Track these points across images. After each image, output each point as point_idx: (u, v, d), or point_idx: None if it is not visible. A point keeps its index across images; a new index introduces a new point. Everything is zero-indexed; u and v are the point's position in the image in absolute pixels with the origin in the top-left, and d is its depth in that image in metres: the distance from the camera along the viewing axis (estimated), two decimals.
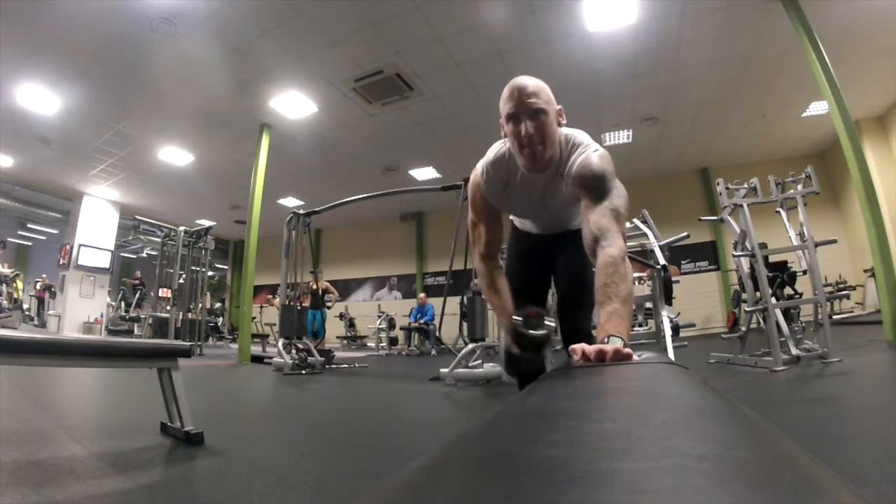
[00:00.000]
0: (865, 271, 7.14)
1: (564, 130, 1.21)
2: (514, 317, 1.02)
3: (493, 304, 1.31)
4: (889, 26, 5.19)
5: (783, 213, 4.21)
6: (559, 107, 1.18)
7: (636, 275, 7.20)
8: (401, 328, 9.61)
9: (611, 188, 1.09)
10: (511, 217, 1.67)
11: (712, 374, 3.45)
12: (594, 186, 1.10)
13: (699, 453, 0.25)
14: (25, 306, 10.53)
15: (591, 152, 1.15)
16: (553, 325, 1.03)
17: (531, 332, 0.97)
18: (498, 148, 1.26)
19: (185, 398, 1.80)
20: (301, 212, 5.95)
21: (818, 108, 7.02)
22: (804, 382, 2.89)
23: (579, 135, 1.21)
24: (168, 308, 7.52)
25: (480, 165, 1.29)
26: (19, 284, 10.14)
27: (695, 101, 6.87)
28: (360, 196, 5.77)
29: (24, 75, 5.79)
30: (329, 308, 7.93)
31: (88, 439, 1.77)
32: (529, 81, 1.13)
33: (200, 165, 8.70)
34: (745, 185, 4.20)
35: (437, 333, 8.29)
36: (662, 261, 3.90)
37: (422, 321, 8.69)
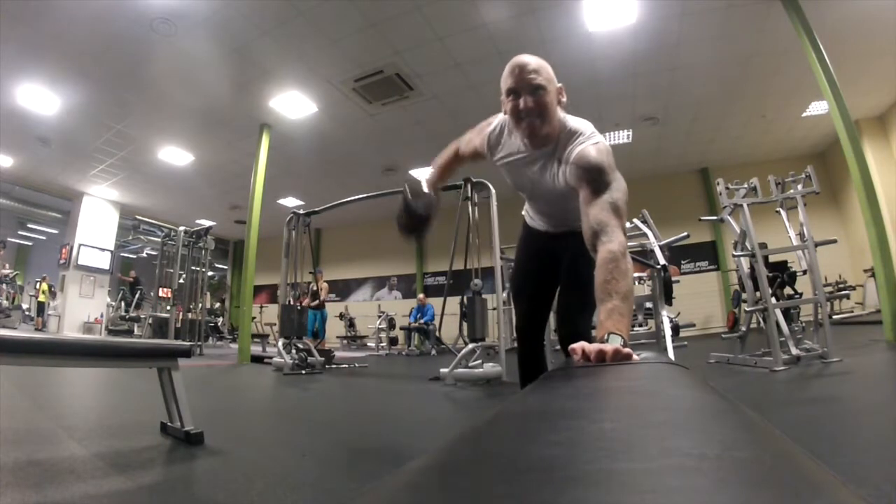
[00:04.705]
0: (865, 271, 7.14)
1: (567, 116, 1.20)
2: (412, 177, 1.42)
3: (433, 166, 1.53)
4: (889, 26, 5.19)
5: (783, 213, 4.20)
6: (559, 84, 1.18)
7: (636, 275, 7.21)
8: (401, 328, 9.61)
9: (610, 181, 1.06)
10: (522, 212, 1.66)
11: (712, 374, 3.44)
12: (592, 179, 1.07)
13: (699, 453, 0.25)
14: (25, 306, 10.54)
15: (589, 145, 1.12)
16: (432, 198, 1.38)
17: (410, 196, 1.34)
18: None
19: (185, 398, 1.80)
20: (301, 212, 5.96)
21: (818, 107, 7.02)
22: (804, 382, 2.89)
23: (581, 123, 1.19)
24: (168, 308, 7.52)
25: (497, 121, 1.33)
26: (18, 299, 10.19)
27: (695, 101, 6.87)
28: (360, 196, 5.77)
29: (24, 75, 5.79)
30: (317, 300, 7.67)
31: (88, 439, 1.77)
32: (531, 59, 1.13)
33: (200, 165, 8.70)
34: (745, 185, 4.19)
35: (437, 333, 8.31)
36: (662, 261, 3.90)
37: (422, 321, 8.69)
